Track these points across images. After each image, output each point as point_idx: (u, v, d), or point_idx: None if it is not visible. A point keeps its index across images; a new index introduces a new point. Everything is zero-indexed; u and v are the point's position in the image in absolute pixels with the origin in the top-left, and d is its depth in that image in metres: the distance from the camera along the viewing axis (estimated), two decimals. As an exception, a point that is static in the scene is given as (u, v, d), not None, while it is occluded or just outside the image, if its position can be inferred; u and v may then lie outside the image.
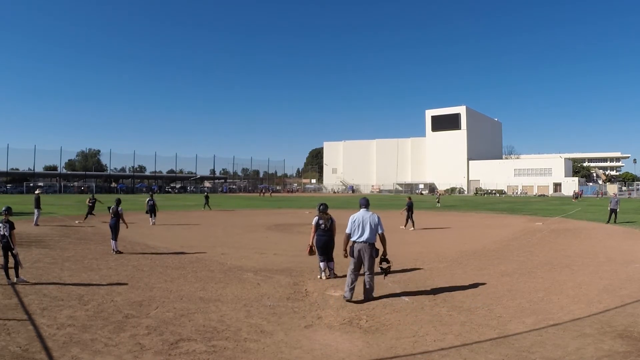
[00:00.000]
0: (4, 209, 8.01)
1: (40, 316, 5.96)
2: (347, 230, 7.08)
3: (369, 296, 7.00)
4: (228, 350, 4.87)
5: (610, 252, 12.08)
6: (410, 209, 18.46)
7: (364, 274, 7.09)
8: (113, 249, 11.56)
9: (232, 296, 7.28)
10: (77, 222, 20.12)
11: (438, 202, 41.21)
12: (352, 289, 6.98)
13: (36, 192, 21.02)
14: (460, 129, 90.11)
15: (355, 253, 6.97)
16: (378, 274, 7.24)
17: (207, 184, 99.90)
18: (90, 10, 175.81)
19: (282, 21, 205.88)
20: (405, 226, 18.29)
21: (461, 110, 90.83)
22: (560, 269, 9.71)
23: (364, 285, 7.03)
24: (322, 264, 8.71)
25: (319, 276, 8.76)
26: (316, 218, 8.71)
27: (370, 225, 6.94)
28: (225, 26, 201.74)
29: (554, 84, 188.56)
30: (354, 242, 6.99)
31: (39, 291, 7.34)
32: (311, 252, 8.70)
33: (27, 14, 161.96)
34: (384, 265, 7.13)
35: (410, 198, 19.39)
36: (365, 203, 7.25)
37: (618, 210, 21.32)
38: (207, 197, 32.66)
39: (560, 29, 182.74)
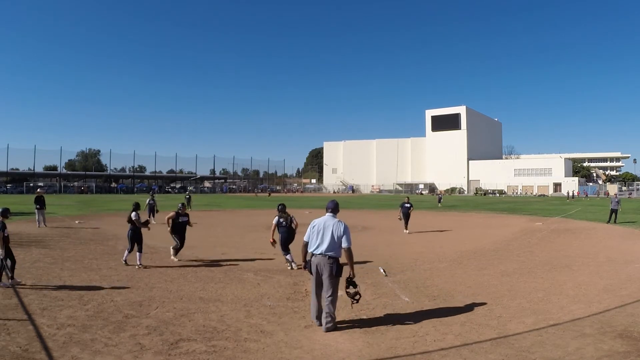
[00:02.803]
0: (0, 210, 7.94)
1: (40, 316, 5.96)
2: (305, 238, 5.81)
3: (328, 326, 5.50)
4: (228, 350, 4.87)
5: (610, 252, 12.09)
6: (406, 213, 17.89)
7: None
8: (124, 261, 10.05)
9: (232, 296, 7.28)
10: (77, 222, 20.11)
11: (440, 201, 41.14)
12: (319, 317, 5.66)
13: (37, 191, 20.88)
14: (460, 129, 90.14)
15: (313, 268, 5.64)
16: (346, 282, 5.82)
17: (207, 183, 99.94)
18: (90, 10, 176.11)
19: (282, 21, 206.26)
20: (406, 229, 18.08)
21: (461, 110, 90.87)
22: (560, 269, 9.71)
23: (323, 311, 5.60)
24: (288, 256, 9.78)
25: (289, 267, 9.67)
26: (277, 217, 9.97)
27: (332, 235, 5.55)
28: (225, 26, 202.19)
29: (554, 84, 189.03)
30: (312, 254, 5.68)
31: (39, 291, 7.34)
32: (274, 244, 9.80)
33: (27, 14, 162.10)
34: (351, 290, 5.75)
35: (408, 199, 18.61)
36: (333, 207, 5.78)
37: (619, 210, 21.33)
38: (188, 199, 29.44)
39: (560, 29, 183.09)
